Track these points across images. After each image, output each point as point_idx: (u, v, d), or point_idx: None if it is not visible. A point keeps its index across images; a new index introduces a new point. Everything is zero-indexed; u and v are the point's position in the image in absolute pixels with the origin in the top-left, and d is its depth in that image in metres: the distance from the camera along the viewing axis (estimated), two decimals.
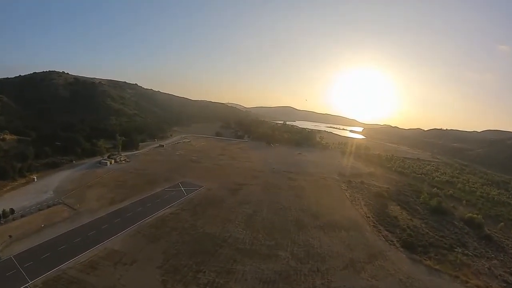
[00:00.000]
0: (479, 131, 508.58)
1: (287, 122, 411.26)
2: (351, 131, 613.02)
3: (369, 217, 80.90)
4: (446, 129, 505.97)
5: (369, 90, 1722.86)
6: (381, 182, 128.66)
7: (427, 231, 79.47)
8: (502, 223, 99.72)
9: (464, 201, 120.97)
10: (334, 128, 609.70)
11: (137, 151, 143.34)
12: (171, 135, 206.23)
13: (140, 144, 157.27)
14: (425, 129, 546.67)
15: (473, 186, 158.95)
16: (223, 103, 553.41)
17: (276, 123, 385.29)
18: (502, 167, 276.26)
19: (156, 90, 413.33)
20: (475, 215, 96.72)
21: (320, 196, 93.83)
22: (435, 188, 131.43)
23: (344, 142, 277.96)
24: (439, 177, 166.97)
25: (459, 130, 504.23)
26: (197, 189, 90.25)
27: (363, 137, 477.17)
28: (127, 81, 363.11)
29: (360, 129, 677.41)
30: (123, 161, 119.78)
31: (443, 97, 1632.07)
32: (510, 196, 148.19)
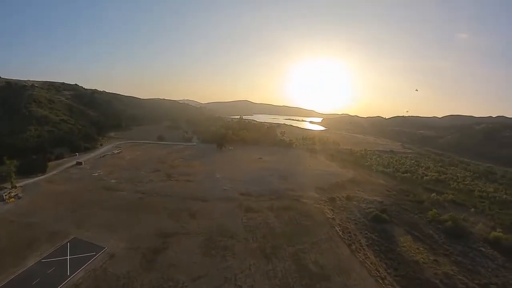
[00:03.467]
0: (439, 116, 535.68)
1: (244, 117, 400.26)
2: (310, 122, 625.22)
3: (385, 277, 54.47)
4: (408, 116, 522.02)
5: (326, 80, 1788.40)
6: (371, 193, 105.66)
7: (463, 278, 57.29)
8: None
9: (472, 208, 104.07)
10: (293, 120, 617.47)
11: (43, 176, 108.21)
12: (101, 145, 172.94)
13: (56, 161, 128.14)
14: (386, 117, 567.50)
15: (465, 182, 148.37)
16: (175, 101, 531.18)
17: (232, 118, 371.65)
18: (475, 153, 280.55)
19: (102, 90, 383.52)
20: (499, 233, 78.69)
21: (301, 247, 62.52)
22: (434, 194, 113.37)
23: (307, 137, 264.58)
24: (427, 175, 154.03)
25: (420, 116, 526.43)
26: (91, 258, 56.03)
27: (324, 128, 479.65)
28: (66, 82, 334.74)
29: (319, 119, 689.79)
30: (13, 198, 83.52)
31: (401, 84, 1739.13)
32: (509, 192, 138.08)
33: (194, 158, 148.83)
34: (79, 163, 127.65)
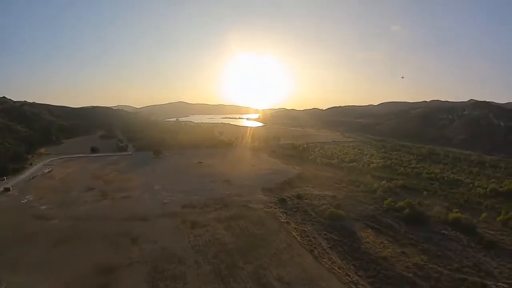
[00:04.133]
0: (375, 104, 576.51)
1: (180, 119, 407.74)
2: (247, 119, 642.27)
3: (357, 282, 50.21)
4: (345, 105, 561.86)
5: (261, 76, 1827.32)
6: (320, 188, 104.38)
7: (435, 266, 56.59)
8: (484, 214, 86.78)
9: (424, 192, 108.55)
10: (230, 118, 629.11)
11: None
12: (30, 164, 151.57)
13: None
14: (323, 108, 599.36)
15: (411, 166, 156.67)
16: (109, 107, 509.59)
17: (169, 121, 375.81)
18: (415, 137, 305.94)
19: (31, 101, 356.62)
20: (457, 214, 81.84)
21: (260, 262, 55.28)
22: (384, 181, 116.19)
23: (246, 134, 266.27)
24: (373, 162, 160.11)
25: (357, 105, 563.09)
26: None
27: (262, 124, 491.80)
28: None
29: (256, 116, 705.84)
30: None
31: (336, 76, 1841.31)
32: (455, 171, 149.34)
33: (130, 170, 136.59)
34: (7, 189, 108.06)
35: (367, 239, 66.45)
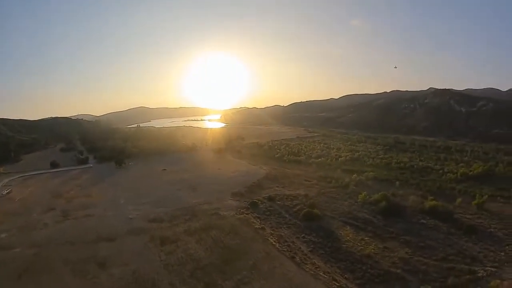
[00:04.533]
0: (336, 98, 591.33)
1: (142, 125, 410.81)
2: (209, 120, 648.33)
3: (346, 286, 48.59)
4: (306, 100, 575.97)
5: (221, 75, 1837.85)
6: (291, 187, 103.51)
7: (420, 258, 56.82)
8: (459, 199, 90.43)
9: (397, 182, 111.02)
10: (192, 121, 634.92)
11: None
12: None
13: None
14: (284, 105, 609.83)
15: (379, 156, 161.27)
16: (68, 118, 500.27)
17: (130, 128, 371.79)
18: (378, 127, 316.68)
19: None
20: (433, 202, 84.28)
21: (239, 277, 50.18)
22: (355, 174, 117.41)
23: (209, 136, 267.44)
24: (341, 156, 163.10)
25: (318, 100, 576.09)
26: None
27: (224, 124, 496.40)
28: None
29: (218, 116, 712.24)
30: None
31: (296, 72, 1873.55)
32: (423, 159, 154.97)
33: (92, 184, 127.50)
34: None
35: (347, 238, 65.76)
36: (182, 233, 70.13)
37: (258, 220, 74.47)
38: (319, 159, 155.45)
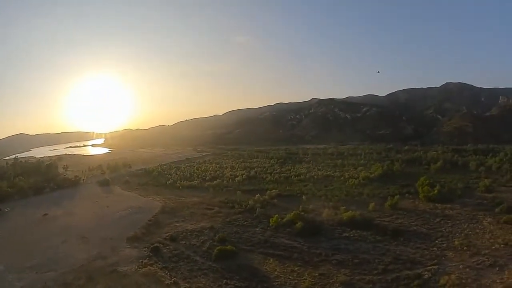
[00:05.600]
0: (221, 114, 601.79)
1: (20, 155, 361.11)
2: (93, 145, 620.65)
3: None
4: (192, 118, 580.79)
5: (103, 98, 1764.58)
6: (193, 220, 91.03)
7: (360, 277, 52.17)
8: (372, 203, 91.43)
9: (303, 196, 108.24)
10: (75, 147, 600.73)
11: None
12: None
13: None
14: (169, 124, 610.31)
15: (277, 171, 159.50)
16: None
17: (8, 160, 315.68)
18: (266, 140, 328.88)
19: None
20: (348, 212, 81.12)
21: None
22: (258, 195, 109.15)
23: (93, 165, 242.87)
24: (236, 175, 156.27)
25: (203, 117, 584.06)
26: None
27: (109, 149, 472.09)
28: None
29: (101, 140, 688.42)
30: None
31: (181, 91, 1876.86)
32: (321, 167, 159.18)
33: None
34: None
35: (275, 273, 56.71)
36: None
37: (167, 271, 60.30)
38: (215, 182, 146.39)
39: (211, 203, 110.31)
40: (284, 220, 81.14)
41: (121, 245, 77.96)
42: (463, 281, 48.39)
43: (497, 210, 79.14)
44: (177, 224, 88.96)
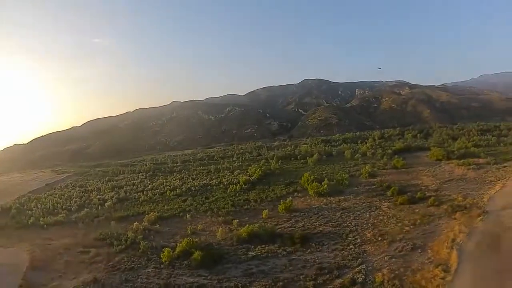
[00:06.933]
0: (79, 125, 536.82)
1: None
2: None
3: None
4: (47, 134, 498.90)
5: None
6: (74, 274, 68.54)
7: None
8: (265, 210, 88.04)
9: (186, 215, 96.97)
10: None
11: None
12: None
13: None
14: (25, 142, 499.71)
15: (148, 188, 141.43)
16: None
17: None
18: (130, 151, 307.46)
19: None
20: (247, 228, 74.41)
21: None
22: (136, 223, 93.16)
23: None
24: (106, 199, 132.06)
25: (59, 131, 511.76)
26: None
27: None
28: None
29: None
30: None
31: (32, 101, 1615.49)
32: (194, 176, 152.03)
33: None
34: None
35: None
36: None
37: None
38: (83, 212, 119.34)
39: (85, 243, 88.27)
40: (177, 252, 70.09)
41: None
42: (396, 272, 47.26)
43: (388, 193, 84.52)
44: (54, 284, 69.88)
